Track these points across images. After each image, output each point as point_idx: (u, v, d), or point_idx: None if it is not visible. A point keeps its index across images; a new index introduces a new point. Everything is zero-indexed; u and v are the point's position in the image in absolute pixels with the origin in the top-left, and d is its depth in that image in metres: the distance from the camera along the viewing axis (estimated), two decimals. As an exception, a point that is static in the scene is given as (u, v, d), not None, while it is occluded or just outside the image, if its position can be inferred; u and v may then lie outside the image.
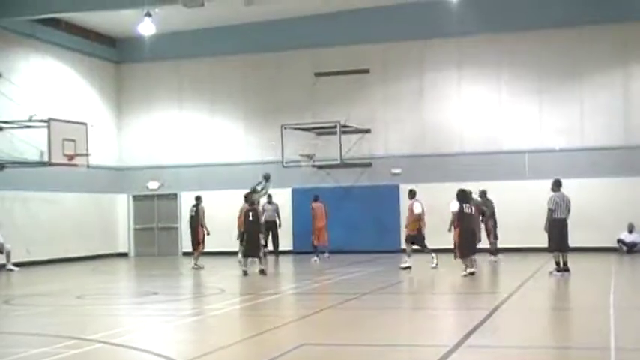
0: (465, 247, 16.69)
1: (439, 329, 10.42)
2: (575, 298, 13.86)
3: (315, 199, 23.40)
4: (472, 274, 16.37)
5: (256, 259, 18.16)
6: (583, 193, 22.29)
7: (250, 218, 18.08)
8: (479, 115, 25.26)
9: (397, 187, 25.50)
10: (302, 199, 25.04)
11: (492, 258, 20.63)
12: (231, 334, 10.13)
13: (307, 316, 11.40)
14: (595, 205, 23.05)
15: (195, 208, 21.29)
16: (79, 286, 17.58)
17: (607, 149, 23.79)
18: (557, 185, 16.43)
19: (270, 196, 23.39)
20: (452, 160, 25.05)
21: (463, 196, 16.92)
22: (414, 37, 25.62)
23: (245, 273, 17.93)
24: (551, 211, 16.08)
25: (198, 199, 21.58)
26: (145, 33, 25.40)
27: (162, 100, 28.31)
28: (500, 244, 22.78)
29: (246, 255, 18.24)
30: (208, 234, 21.28)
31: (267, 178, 20.84)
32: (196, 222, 21.13)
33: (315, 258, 22.35)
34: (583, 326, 10.45)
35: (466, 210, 16.75)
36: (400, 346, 8.96)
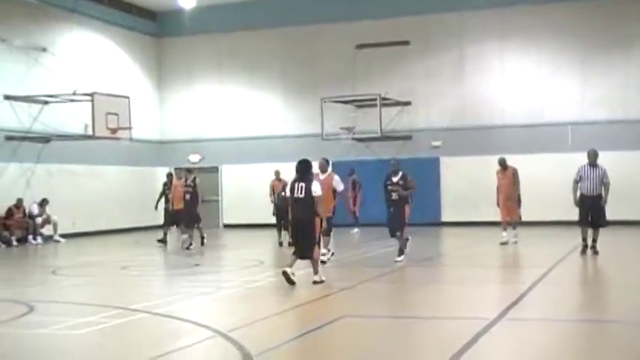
0: (298, 249, 11.77)
1: (479, 302, 10.41)
2: (616, 272, 13.63)
3: (352, 173, 23.23)
4: (289, 280, 11.36)
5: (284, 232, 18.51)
6: (626, 165, 21.92)
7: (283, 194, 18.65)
8: (520, 86, 24.94)
9: (437, 160, 25.41)
10: (342, 171, 24.98)
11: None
12: (272, 305, 10.25)
13: (347, 288, 11.46)
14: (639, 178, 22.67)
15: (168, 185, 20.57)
16: (123, 257, 17.90)
17: (652, 121, 23.35)
18: (589, 156, 14.69)
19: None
20: (493, 133, 24.82)
21: (299, 171, 11.69)
22: (455, 8, 25.32)
23: (280, 244, 18.45)
24: (575, 182, 14.70)
25: (170, 175, 21.06)
26: (185, 6, 25.53)
27: (202, 74, 28.46)
28: (542, 217, 22.67)
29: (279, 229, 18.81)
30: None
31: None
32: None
33: (357, 230, 22.43)
34: (624, 300, 10.35)
35: (296, 193, 11.50)
36: (440, 319, 8.99)
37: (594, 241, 14.68)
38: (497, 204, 17.73)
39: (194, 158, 28.36)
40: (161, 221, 21.10)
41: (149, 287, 12.89)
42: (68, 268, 15.75)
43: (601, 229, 14.80)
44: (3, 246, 20.72)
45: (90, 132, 22.19)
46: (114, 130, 22.55)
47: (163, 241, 20.19)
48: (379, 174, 24.97)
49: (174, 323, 8.97)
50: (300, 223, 11.58)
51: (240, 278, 12.88)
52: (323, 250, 14.28)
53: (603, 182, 14.53)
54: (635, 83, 23.73)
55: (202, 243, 19.07)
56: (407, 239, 14.68)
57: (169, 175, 21.36)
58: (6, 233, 21.13)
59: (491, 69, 25.30)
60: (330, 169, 14.74)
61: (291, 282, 11.28)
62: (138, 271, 15.13)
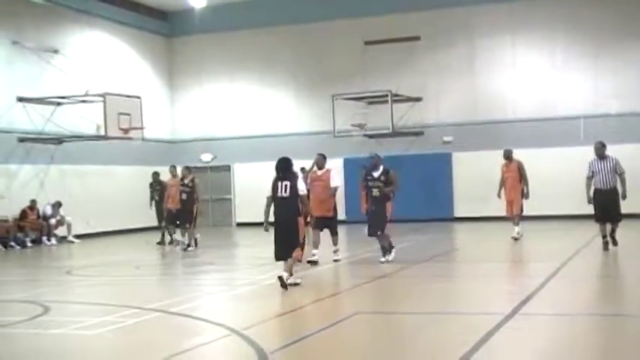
0: (278, 250, 11.02)
1: (493, 297, 10.39)
2: (632, 266, 13.47)
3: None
4: (288, 284, 10.75)
5: None
6: (640, 158, 21.80)
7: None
8: (532, 80, 24.85)
9: (449, 155, 25.37)
10: (354, 168, 25.04)
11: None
12: (286, 303, 10.26)
13: (360, 285, 11.47)
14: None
15: (160, 186, 20.39)
16: (137, 257, 17.97)
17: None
18: (596, 149, 14.28)
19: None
20: (504, 127, 24.74)
21: (281, 169, 11.08)
22: (465, 2, 25.25)
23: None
24: (588, 178, 14.25)
25: (156, 174, 21.05)
26: (195, 6, 25.60)
27: (213, 73, 28.52)
28: (555, 211, 22.62)
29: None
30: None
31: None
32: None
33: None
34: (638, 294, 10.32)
35: (280, 192, 10.92)
36: (454, 314, 8.98)
37: (613, 231, 14.29)
38: (498, 195, 17.20)
39: (206, 157, 28.43)
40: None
41: (163, 286, 12.95)
42: (83, 268, 15.83)
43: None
44: (17, 247, 20.85)
45: (102, 132, 22.28)
46: (126, 131, 22.64)
47: (162, 242, 19.94)
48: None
49: (189, 322, 9.01)
50: (285, 223, 10.84)
51: (253, 276, 12.89)
52: (336, 249, 14.18)
53: (617, 173, 14.08)
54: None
55: (195, 244, 18.29)
56: (389, 238, 13.60)
57: (155, 174, 21.04)
58: (20, 234, 21.27)
59: (502, 63, 25.21)
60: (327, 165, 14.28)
61: (284, 287, 10.67)
62: (152, 270, 15.19)
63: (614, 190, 14.14)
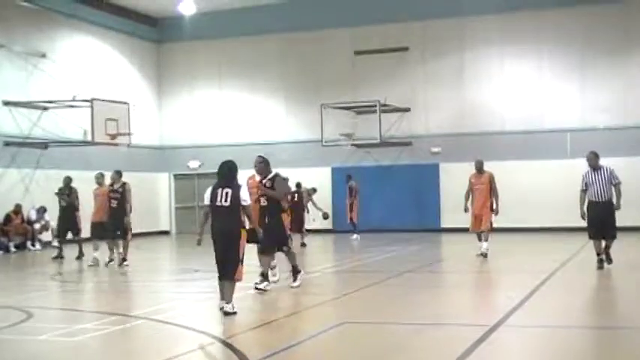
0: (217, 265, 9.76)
1: (479, 308, 10.37)
2: (621, 279, 13.44)
3: (349, 179, 23.29)
4: (226, 313, 9.54)
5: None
6: (628, 172, 21.86)
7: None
8: (520, 92, 24.94)
9: (437, 166, 25.40)
10: (342, 178, 25.08)
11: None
12: (272, 311, 10.21)
13: (348, 294, 11.43)
14: (640, 185, 22.60)
15: (69, 192, 18.03)
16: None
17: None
18: (589, 159, 13.35)
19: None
20: (492, 139, 24.79)
21: (222, 175, 9.89)
22: (454, 13, 25.32)
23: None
24: (583, 191, 13.34)
25: (69, 179, 18.23)
26: (185, 12, 25.55)
27: (202, 80, 28.46)
28: (543, 224, 22.72)
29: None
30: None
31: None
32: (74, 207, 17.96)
33: (356, 236, 22.45)
34: (628, 307, 10.31)
35: (220, 200, 9.61)
36: (440, 325, 8.95)
37: (607, 247, 13.37)
38: (465, 209, 16.24)
39: (194, 164, 28.34)
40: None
41: (148, 293, 12.84)
42: (67, 274, 15.69)
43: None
44: (1, 252, 20.66)
45: (89, 138, 22.17)
46: (113, 136, 22.55)
47: (59, 256, 18.21)
48: (379, 180, 25.29)
49: (173, 329, 8.93)
50: (224, 236, 9.55)
51: (239, 284, 12.80)
52: (275, 270, 12.24)
53: (612, 184, 13.19)
54: (635, 89, 23.74)
55: (121, 262, 15.97)
56: (295, 257, 11.97)
57: (67, 179, 18.23)
58: (4, 239, 21.09)
59: (490, 75, 25.30)
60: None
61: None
62: (137, 277, 15.07)
63: (610, 202, 13.26)
